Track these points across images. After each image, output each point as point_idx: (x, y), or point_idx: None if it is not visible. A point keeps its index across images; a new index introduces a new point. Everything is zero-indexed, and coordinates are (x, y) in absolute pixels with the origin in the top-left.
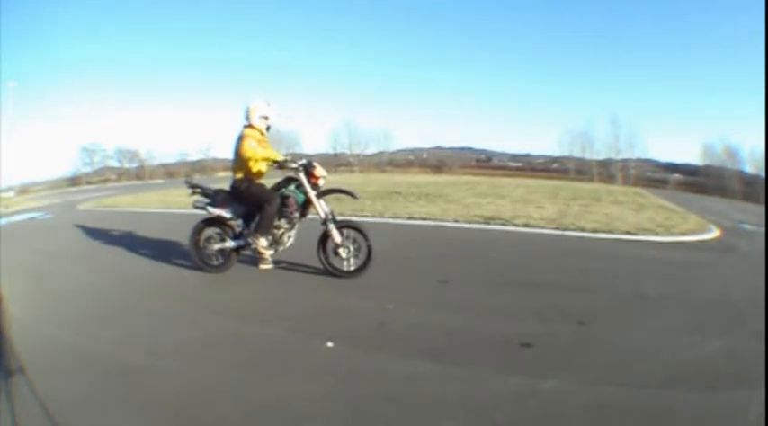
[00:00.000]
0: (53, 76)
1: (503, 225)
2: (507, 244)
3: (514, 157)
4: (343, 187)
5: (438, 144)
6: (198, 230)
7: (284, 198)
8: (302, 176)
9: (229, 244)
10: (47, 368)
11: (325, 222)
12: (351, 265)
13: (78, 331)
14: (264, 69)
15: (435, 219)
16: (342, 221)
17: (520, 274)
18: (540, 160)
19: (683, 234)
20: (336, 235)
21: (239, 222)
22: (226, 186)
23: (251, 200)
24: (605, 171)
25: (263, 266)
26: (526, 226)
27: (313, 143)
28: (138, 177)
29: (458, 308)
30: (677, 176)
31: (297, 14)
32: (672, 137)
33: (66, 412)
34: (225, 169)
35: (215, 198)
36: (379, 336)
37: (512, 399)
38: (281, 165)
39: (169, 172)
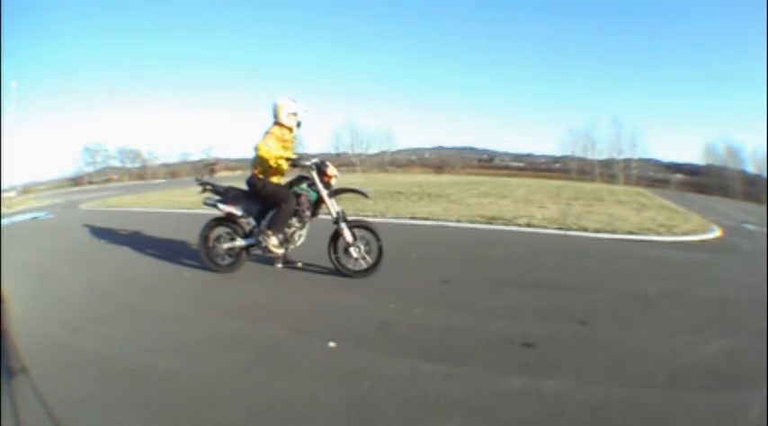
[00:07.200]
0: (55, 77)
1: (505, 225)
2: (509, 243)
3: (517, 157)
4: (355, 186)
5: (440, 144)
6: (208, 228)
7: (296, 196)
8: (315, 175)
9: (239, 242)
10: (49, 368)
11: (336, 221)
12: (361, 265)
13: (80, 331)
14: (266, 69)
15: (437, 219)
16: (353, 221)
17: (522, 274)
18: (543, 160)
19: (685, 233)
20: (348, 235)
21: (250, 220)
22: (237, 184)
23: (266, 198)
24: (607, 171)
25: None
26: (528, 225)
27: (315, 143)
28: (141, 177)
29: (460, 308)
30: (679, 176)
31: (299, 14)
32: (674, 137)
33: (68, 411)
34: (226, 169)
35: (226, 195)
36: (382, 336)
37: (513, 399)
38: (294, 163)
39: (171, 171)
